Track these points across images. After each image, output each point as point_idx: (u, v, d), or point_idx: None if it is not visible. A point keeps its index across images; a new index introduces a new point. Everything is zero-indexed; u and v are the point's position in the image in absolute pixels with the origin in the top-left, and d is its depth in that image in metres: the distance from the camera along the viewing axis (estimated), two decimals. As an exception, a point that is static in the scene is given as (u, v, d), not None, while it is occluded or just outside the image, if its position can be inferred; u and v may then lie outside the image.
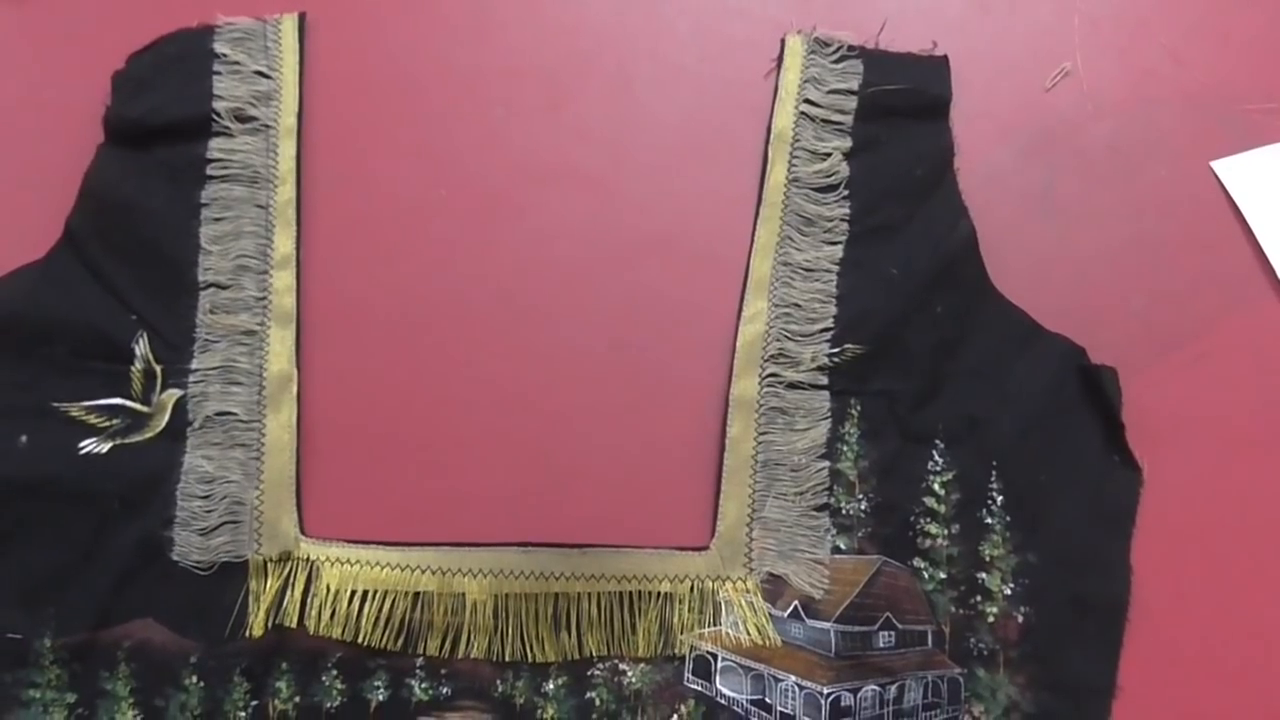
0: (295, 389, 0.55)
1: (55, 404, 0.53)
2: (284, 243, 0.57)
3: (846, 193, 0.57)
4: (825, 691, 0.50)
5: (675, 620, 0.51)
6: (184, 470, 0.53)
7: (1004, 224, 0.58)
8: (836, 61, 0.60)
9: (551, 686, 0.51)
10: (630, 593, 0.52)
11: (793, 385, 0.54)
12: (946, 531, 0.52)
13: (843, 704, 0.50)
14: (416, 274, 0.58)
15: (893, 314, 0.55)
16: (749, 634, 0.51)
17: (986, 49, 0.63)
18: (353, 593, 0.51)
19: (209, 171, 0.58)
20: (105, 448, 0.53)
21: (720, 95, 0.62)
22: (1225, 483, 0.54)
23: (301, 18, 0.62)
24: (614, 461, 0.55)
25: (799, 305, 0.55)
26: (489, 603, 0.51)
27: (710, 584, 0.52)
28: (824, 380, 0.54)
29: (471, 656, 0.51)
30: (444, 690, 0.50)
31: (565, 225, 0.59)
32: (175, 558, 0.51)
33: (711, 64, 0.63)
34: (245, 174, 0.58)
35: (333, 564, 0.52)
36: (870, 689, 0.50)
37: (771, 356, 0.55)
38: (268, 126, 0.59)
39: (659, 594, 0.52)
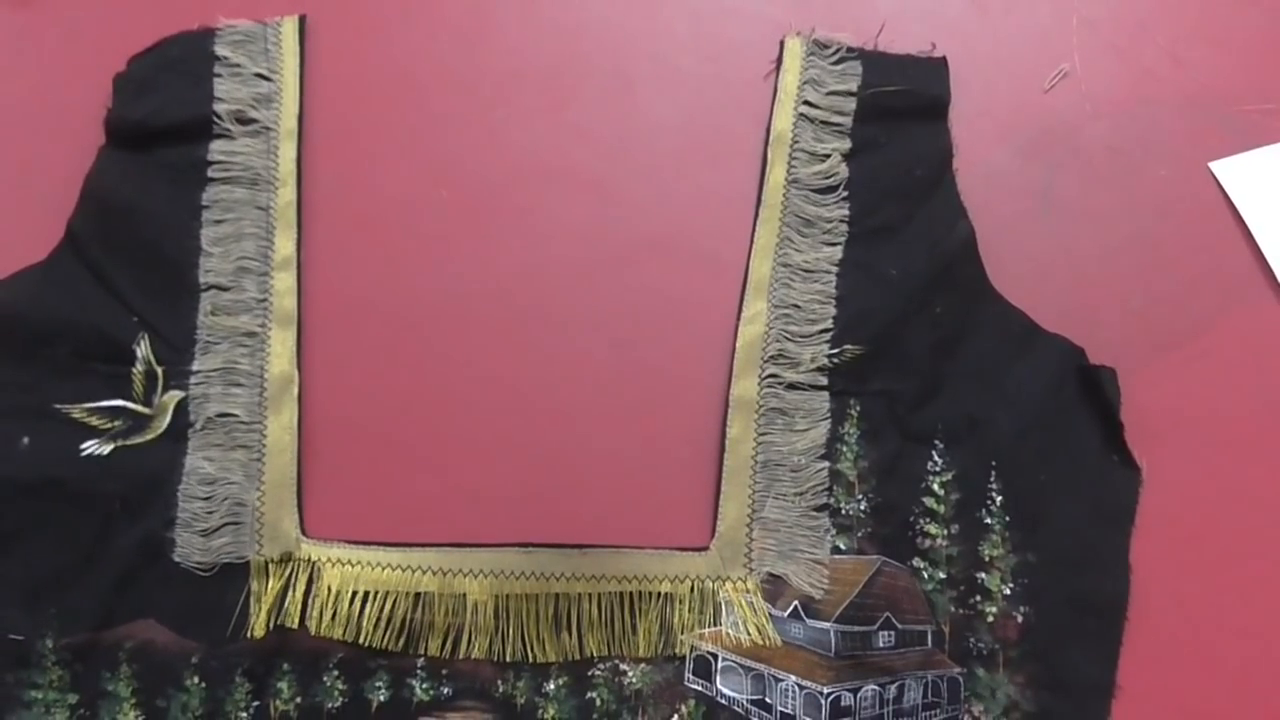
0: (296, 390, 0.55)
1: (57, 405, 0.53)
2: (285, 244, 0.57)
3: (846, 194, 0.57)
4: (825, 691, 0.50)
5: (676, 620, 0.51)
6: (185, 471, 0.53)
7: (1003, 224, 0.58)
8: (835, 63, 0.60)
9: (552, 687, 0.51)
10: (631, 593, 0.52)
11: (792, 386, 0.54)
12: (946, 531, 0.52)
13: (843, 704, 0.50)
14: (417, 275, 0.58)
15: (892, 315, 0.55)
16: (749, 634, 0.51)
17: (985, 50, 0.63)
18: (354, 593, 0.51)
19: (210, 173, 0.58)
20: (107, 449, 0.53)
21: (719, 96, 0.62)
22: (1224, 482, 0.54)
23: (302, 20, 0.63)
24: (614, 462, 0.55)
25: (798, 306, 0.56)
26: (490, 603, 0.51)
27: (710, 584, 0.52)
28: (823, 381, 0.54)
29: (472, 657, 0.51)
30: (445, 690, 0.50)
31: (565, 226, 0.59)
32: (177, 559, 0.52)
33: (711, 65, 0.63)
34: (246, 176, 0.58)
35: (334, 565, 0.52)
36: (870, 689, 0.50)
37: (771, 357, 0.55)
38: (268, 129, 0.59)
39: (659, 594, 0.52)
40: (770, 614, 0.51)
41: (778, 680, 0.50)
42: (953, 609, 0.52)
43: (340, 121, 0.61)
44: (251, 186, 0.58)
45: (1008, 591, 0.52)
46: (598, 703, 0.50)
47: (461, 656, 0.51)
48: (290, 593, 0.51)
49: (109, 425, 0.53)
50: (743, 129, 0.61)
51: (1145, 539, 0.53)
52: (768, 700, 0.50)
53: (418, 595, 0.51)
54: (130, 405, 0.54)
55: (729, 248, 0.58)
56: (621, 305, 0.58)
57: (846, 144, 0.58)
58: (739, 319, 0.56)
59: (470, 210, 0.60)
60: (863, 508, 0.53)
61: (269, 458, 0.54)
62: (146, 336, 0.55)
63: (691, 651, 0.51)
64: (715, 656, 0.51)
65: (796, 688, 0.50)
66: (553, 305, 0.58)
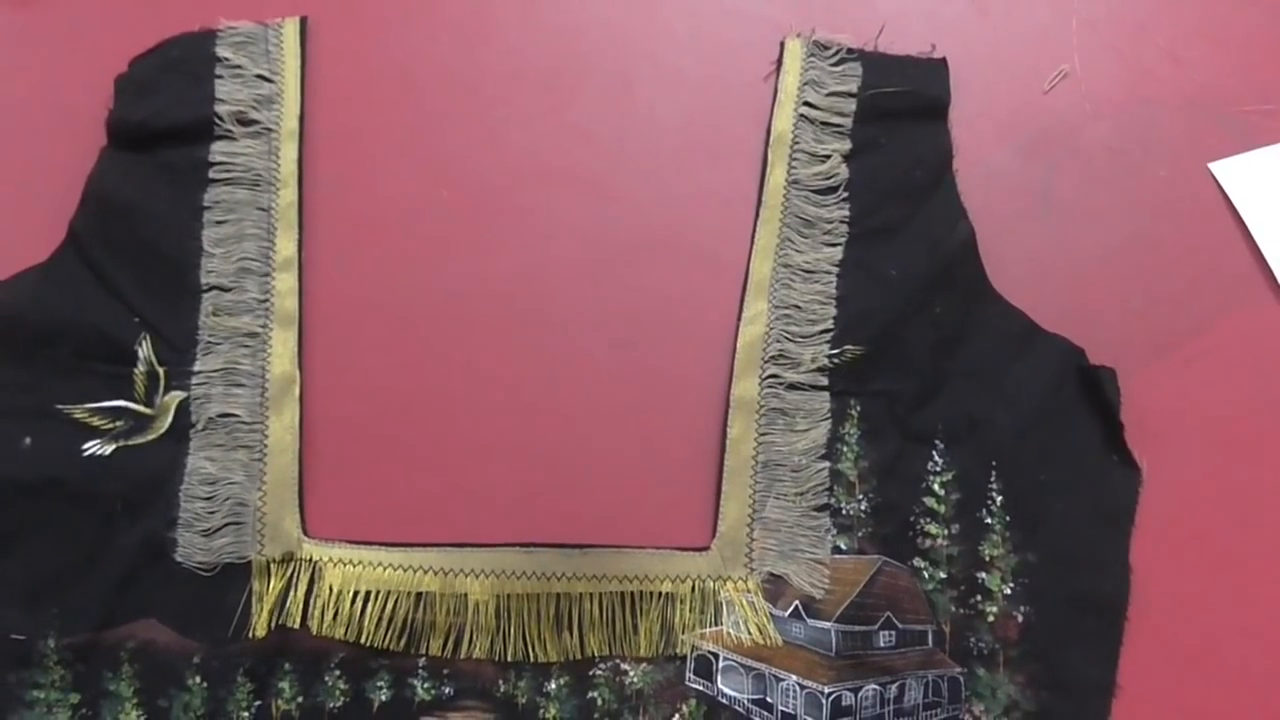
0: (298, 390, 0.55)
1: (58, 406, 0.53)
2: (286, 245, 0.57)
3: (846, 194, 0.57)
4: (826, 691, 0.50)
5: (677, 620, 0.51)
6: (187, 472, 0.53)
7: (1003, 225, 0.58)
8: (836, 64, 0.60)
9: (553, 686, 0.51)
10: (632, 593, 0.52)
11: (793, 386, 0.55)
12: (946, 531, 0.53)
13: (844, 703, 0.50)
14: (418, 276, 0.58)
15: (892, 315, 0.55)
16: (750, 634, 0.51)
17: (985, 51, 0.63)
18: (355, 593, 0.51)
19: (211, 174, 0.58)
20: (108, 449, 0.53)
21: (720, 97, 0.62)
22: (1224, 482, 0.54)
23: (303, 21, 0.63)
24: (615, 462, 0.55)
25: (799, 306, 0.56)
26: (491, 603, 0.51)
27: (711, 584, 0.52)
28: (824, 381, 0.54)
29: (474, 656, 0.51)
30: (446, 690, 0.50)
31: (566, 227, 0.59)
32: (178, 559, 0.52)
33: (711, 66, 0.63)
34: (247, 177, 0.58)
35: (335, 564, 0.52)
36: (871, 688, 0.50)
37: (772, 357, 0.55)
38: (269, 130, 0.59)
39: (660, 594, 0.52)
40: (771, 614, 0.52)
41: (779, 680, 0.51)
42: (953, 609, 0.52)
43: (341, 122, 0.61)
44: (253, 187, 0.58)
45: (1008, 591, 0.52)
46: (599, 702, 0.51)
47: (463, 656, 0.51)
48: (292, 593, 0.51)
49: (110, 425, 0.53)
50: (743, 130, 0.61)
51: (1145, 539, 0.53)
52: (769, 700, 0.50)
53: (419, 595, 0.51)
54: (132, 405, 0.54)
55: (729, 248, 0.58)
56: (622, 305, 0.58)
57: (847, 145, 0.58)
58: (739, 319, 0.56)
59: (471, 211, 0.60)
60: (863, 508, 0.53)
61: (270, 458, 0.54)
62: (148, 337, 0.55)
63: (693, 651, 0.51)
64: (716, 656, 0.51)
65: (797, 687, 0.50)
66: (554, 305, 0.58)
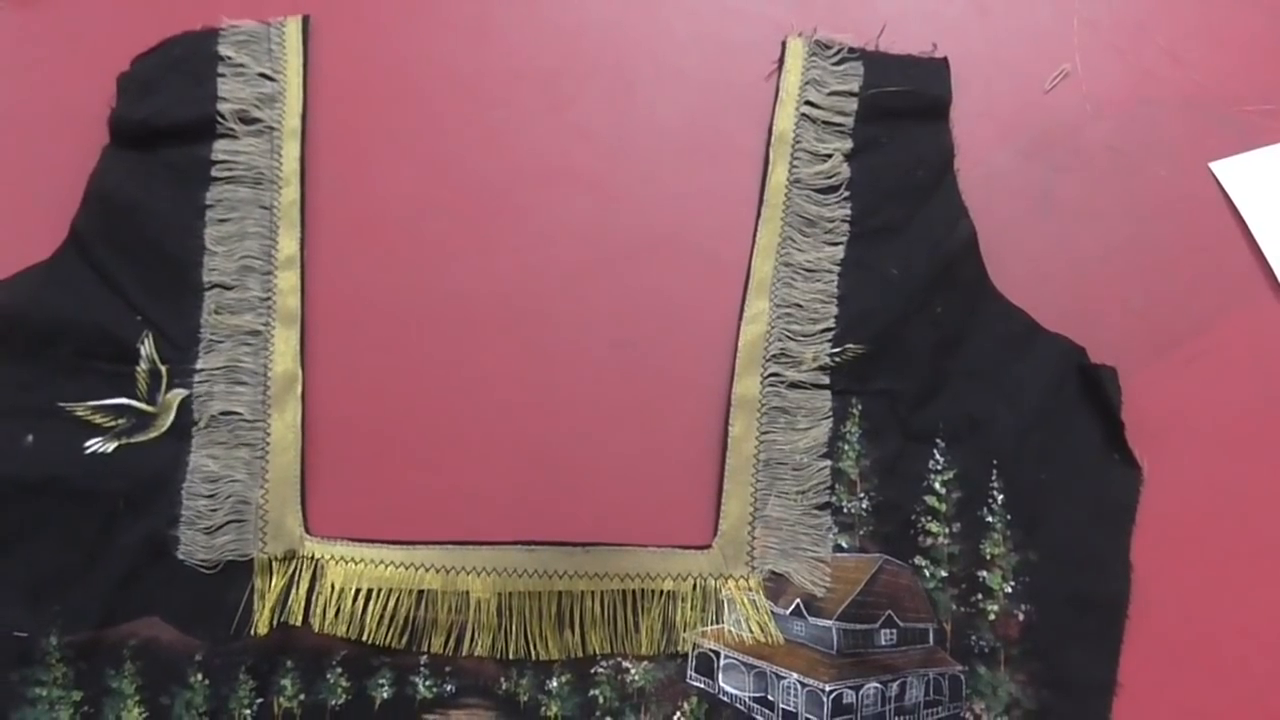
0: (300, 389, 0.55)
1: (61, 404, 0.53)
2: (288, 243, 0.57)
3: (847, 194, 0.58)
4: (827, 689, 0.50)
5: (678, 618, 0.51)
6: (189, 469, 0.53)
7: (1004, 224, 0.58)
8: (837, 63, 0.60)
9: (555, 684, 0.51)
10: (633, 591, 0.52)
11: (794, 385, 0.55)
12: (947, 530, 0.53)
13: (845, 701, 0.50)
14: (420, 274, 0.58)
15: (893, 314, 0.55)
16: (751, 632, 0.51)
17: (986, 51, 0.63)
18: (357, 591, 0.51)
19: (214, 173, 0.58)
20: (111, 447, 0.53)
21: (721, 97, 0.62)
22: (1225, 481, 0.55)
23: (305, 20, 0.63)
24: (617, 460, 0.55)
25: (800, 305, 0.56)
26: (493, 601, 0.51)
27: (713, 582, 0.52)
28: (825, 380, 0.55)
29: (475, 654, 0.51)
30: (448, 688, 0.51)
31: (568, 226, 0.59)
32: (181, 556, 0.52)
33: (712, 66, 0.63)
34: (249, 175, 0.58)
35: (337, 562, 0.52)
36: (872, 686, 0.50)
37: (773, 356, 0.55)
38: (272, 128, 0.60)
39: (662, 592, 0.52)
40: (772, 612, 0.52)
41: (780, 678, 0.51)
42: (954, 607, 0.52)
43: (343, 121, 0.61)
44: (255, 186, 0.58)
45: (1009, 590, 0.52)
46: (600, 700, 0.51)
47: (464, 654, 0.51)
48: (294, 590, 0.51)
49: (113, 423, 0.53)
50: (744, 129, 0.61)
51: (1145, 538, 0.53)
52: (770, 698, 0.50)
53: (421, 593, 0.51)
54: (134, 403, 0.54)
55: (731, 247, 0.58)
56: (624, 305, 0.58)
57: (848, 144, 0.59)
58: (741, 318, 0.56)
59: (472, 210, 0.60)
60: (864, 506, 0.53)
61: (272, 456, 0.54)
62: (150, 335, 0.55)
63: (694, 649, 0.51)
64: (717, 654, 0.51)
65: (799, 685, 0.50)
66: (556, 304, 0.58)
